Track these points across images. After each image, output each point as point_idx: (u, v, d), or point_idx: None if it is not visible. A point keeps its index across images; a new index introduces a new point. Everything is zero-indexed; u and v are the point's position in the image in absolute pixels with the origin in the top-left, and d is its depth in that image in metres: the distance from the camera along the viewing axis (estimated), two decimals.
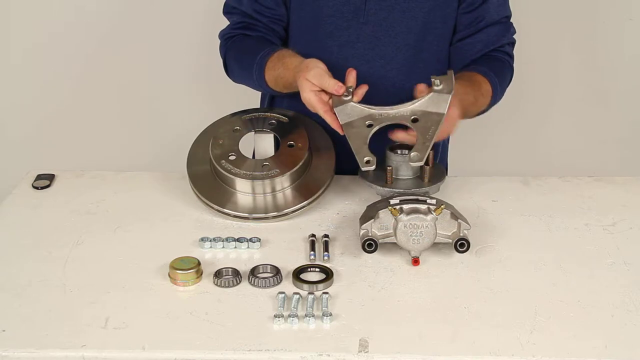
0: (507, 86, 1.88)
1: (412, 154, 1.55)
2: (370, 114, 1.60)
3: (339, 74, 1.68)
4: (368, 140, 1.57)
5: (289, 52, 1.75)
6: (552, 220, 1.66)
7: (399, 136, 1.60)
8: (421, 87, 1.62)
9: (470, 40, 1.83)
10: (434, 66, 1.83)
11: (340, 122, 1.58)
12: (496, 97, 1.79)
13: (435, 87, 1.59)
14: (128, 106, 2.89)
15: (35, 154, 2.86)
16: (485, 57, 1.84)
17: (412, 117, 1.59)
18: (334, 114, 1.58)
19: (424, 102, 1.59)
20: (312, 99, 1.59)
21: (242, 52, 1.83)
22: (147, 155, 2.84)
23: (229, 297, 1.41)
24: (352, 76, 1.61)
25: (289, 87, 1.72)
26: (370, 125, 1.59)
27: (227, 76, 1.92)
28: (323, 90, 1.59)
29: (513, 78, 1.91)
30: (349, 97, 1.59)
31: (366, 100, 1.61)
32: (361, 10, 1.77)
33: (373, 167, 1.56)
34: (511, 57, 1.88)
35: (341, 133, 1.58)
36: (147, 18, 2.75)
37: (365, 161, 1.55)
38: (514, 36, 1.89)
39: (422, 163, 1.55)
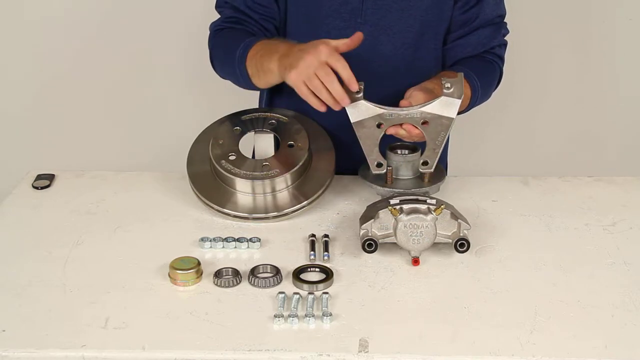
0: (495, 88, 1.89)
1: (421, 160, 1.56)
2: (380, 113, 1.60)
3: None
4: (378, 142, 1.58)
5: (276, 39, 1.72)
6: (552, 220, 1.66)
7: (400, 132, 1.61)
8: (409, 92, 1.64)
9: (461, 42, 1.84)
10: (431, 64, 1.84)
11: (352, 121, 1.59)
12: (475, 100, 1.78)
13: (446, 90, 1.59)
14: (128, 106, 2.90)
15: (35, 154, 2.87)
16: (474, 57, 1.84)
17: (422, 120, 1.59)
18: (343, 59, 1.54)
19: (435, 105, 1.59)
20: (329, 48, 1.53)
21: (227, 42, 1.80)
22: (147, 155, 2.84)
23: (229, 297, 1.41)
24: (358, 37, 1.58)
25: (266, 73, 1.66)
26: (379, 125, 1.59)
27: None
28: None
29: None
30: (361, 95, 1.60)
31: (365, 98, 1.61)
32: (358, 10, 1.77)
33: (384, 171, 1.58)
34: (501, 59, 1.88)
35: (355, 88, 1.54)
36: (147, 18, 2.76)
37: (376, 164, 1.57)
38: (507, 37, 1.89)
39: (431, 170, 1.56)
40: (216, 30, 1.86)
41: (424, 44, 1.82)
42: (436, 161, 1.56)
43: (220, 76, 1.87)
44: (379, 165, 1.59)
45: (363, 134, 1.59)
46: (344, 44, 1.57)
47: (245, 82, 1.76)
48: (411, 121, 1.60)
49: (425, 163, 1.58)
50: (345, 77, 1.54)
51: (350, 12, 1.78)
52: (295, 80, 1.55)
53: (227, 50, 1.77)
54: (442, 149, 1.57)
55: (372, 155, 1.59)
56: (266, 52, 1.67)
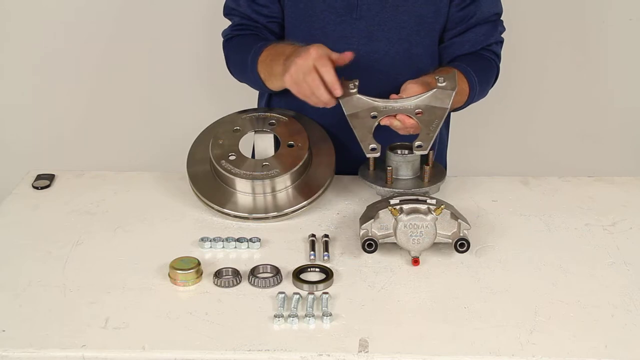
0: (492, 85, 1.90)
1: (416, 143, 1.55)
2: (375, 106, 1.62)
3: None
4: (373, 130, 1.58)
5: (284, 42, 1.76)
6: (552, 220, 1.66)
7: (394, 123, 1.61)
8: (405, 84, 1.65)
9: (458, 40, 1.84)
10: (427, 60, 1.85)
11: (346, 113, 1.60)
12: (474, 96, 1.79)
13: (439, 84, 1.60)
14: (128, 106, 2.89)
15: (35, 154, 2.86)
16: (471, 54, 1.84)
17: (416, 111, 1.60)
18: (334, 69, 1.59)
19: (428, 97, 1.61)
20: (319, 52, 1.58)
21: (239, 48, 1.84)
22: (147, 155, 2.84)
23: (229, 297, 1.41)
24: (348, 57, 1.63)
25: (276, 77, 1.71)
26: (374, 117, 1.60)
27: (229, 76, 1.92)
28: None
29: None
30: (355, 90, 1.62)
31: (360, 93, 1.63)
32: (354, 6, 1.78)
33: (378, 154, 1.57)
34: (498, 56, 1.89)
35: (339, 93, 1.59)
36: (147, 18, 2.75)
37: (370, 148, 1.57)
38: (508, 36, 1.90)
39: (425, 152, 1.56)
40: (228, 39, 1.89)
41: (419, 40, 1.83)
42: (430, 144, 1.55)
43: (239, 81, 1.90)
44: (373, 149, 1.57)
45: (357, 124, 1.59)
46: (337, 56, 1.62)
47: (260, 86, 1.80)
48: (405, 112, 1.60)
49: (419, 146, 1.57)
50: (328, 82, 1.58)
51: (345, 8, 1.78)
52: (290, 83, 1.61)
53: (240, 57, 1.81)
54: (436, 133, 1.57)
55: (366, 140, 1.57)
56: (275, 56, 1.71)
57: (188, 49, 2.79)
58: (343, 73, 1.68)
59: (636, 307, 1.38)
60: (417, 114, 1.60)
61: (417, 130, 1.60)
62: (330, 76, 1.58)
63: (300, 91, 1.60)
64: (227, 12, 1.90)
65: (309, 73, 1.57)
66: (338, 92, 1.59)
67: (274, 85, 1.76)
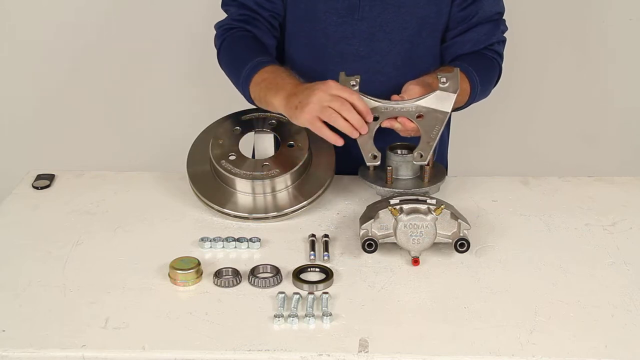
0: (495, 84, 1.89)
1: (415, 153, 1.56)
2: (376, 106, 1.61)
3: (334, 71, 1.68)
4: (374, 134, 1.58)
5: (284, 71, 1.71)
6: (552, 220, 1.66)
7: (395, 125, 1.61)
8: (406, 85, 1.65)
9: (460, 39, 1.84)
10: (428, 61, 1.84)
11: None
12: (475, 96, 1.78)
13: (441, 85, 1.60)
14: (128, 106, 2.90)
15: (35, 154, 2.87)
16: (473, 54, 1.84)
17: (417, 114, 1.60)
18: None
19: (430, 99, 1.60)
20: (338, 84, 1.57)
21: (235, 53, 1.80)
22: (147, 155, 2.84)
23: (229, 297, 1.41)
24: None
25: (269, 105, 1.68)
26: (375, 119, 1.60)
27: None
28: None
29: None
30: (357, 87, 1.62)
31: (361, 92, 1.62)
32: (356, 7, 1.78)
33: (378, 162, 1.58)
34: (500, 55, 1.88)
35: (371, 119, 1.57)
36: (147, 17, 2.76)
37: (371, 156, 1.57)
38: (509, 36, 1.89)
39: (425, 162, 1.56)
40: (225, 29, 1.84)
41: (421, 41, 1.83)
42: (430, 154, 1.56)
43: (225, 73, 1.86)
44: (374, 157, 1.58)
45: None
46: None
47: (245, 97, 1.76)
48: (406, 114, 1.60)
49: (419, 155, 1.58)
50: (362, 108, 1.56)
51: (347, 9, 1.78)
52: (309, 116, 1.56)
53: (235, 62, 1.77)
54: (436, 142, 1.57)
55: (367, 146, 1.58)
56: (272, 85, 1.67)
57: (188, 49, 2.79)
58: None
59: (636, 307, 1.38)
60: (417, 117, 1.60)
61: (418, 133, 1.60)
62: (361, 102, 1.56)
63: (321, 124, 1.55)
64: (226, 2, 1.86)
65: (334, 100, 1.54)
66: (370, 118, 1.57)
67: (262, 107, 1.73)
